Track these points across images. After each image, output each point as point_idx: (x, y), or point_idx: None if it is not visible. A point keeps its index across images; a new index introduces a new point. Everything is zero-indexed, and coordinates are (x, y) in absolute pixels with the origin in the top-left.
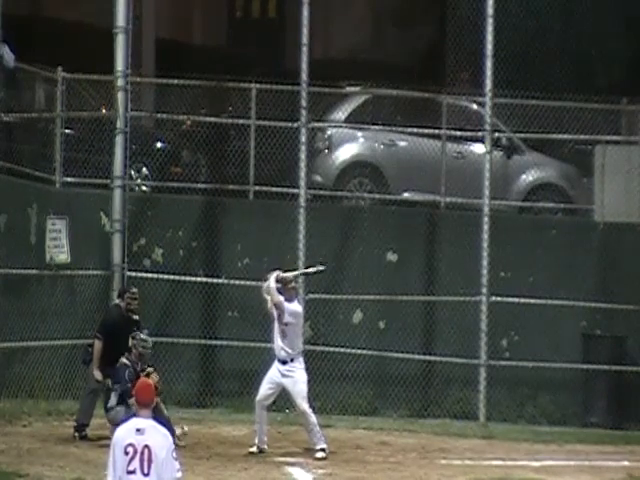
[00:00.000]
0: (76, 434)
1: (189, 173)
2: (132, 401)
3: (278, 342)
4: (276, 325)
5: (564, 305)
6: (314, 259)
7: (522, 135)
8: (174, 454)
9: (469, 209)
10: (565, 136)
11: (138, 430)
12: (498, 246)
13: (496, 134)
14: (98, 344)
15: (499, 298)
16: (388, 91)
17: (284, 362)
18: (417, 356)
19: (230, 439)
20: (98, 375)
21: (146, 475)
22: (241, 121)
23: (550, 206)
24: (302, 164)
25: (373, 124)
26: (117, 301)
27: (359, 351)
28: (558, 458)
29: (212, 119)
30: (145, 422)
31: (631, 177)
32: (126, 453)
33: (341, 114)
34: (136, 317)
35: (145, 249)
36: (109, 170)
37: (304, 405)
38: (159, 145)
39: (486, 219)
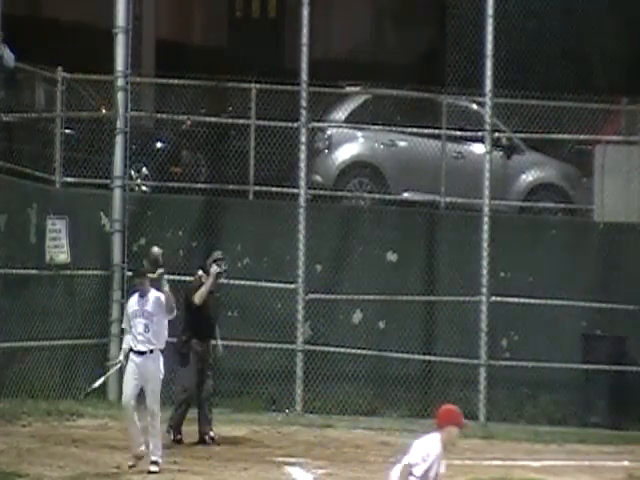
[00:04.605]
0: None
1: (189, 173)
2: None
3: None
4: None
5: (564, 305)
6: (314, 259)
7: (522, 135)
8: None
9: (469, 209)
10: (565, 136)
11: None
12: (498, 246)
13: (496, 134)
14: (197, 293)
15: (499, 298)
16: (388, 91)
17: None
18: (417, 356)
19: (230, 439)
20: (213, 269)
21: None
22: (241, 121)
23: (550, 206)
24: (302, 164)
25: (373, 124)
26: (200, 272)
27: (359, 351)
28: (558, 458)
29: (212, 119)
30: None
31: (631, 177)
32: None
33: (341, 114)
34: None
35: (145, 249)
36: (109, 170)
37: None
38: (159, 145)
39: (486, 219)
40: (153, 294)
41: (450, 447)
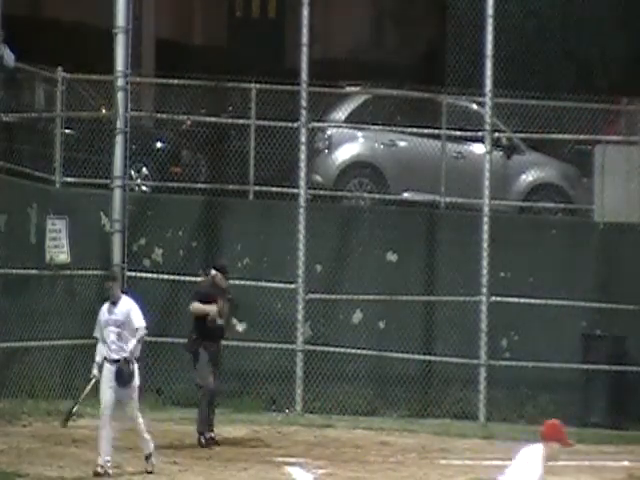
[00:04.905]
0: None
1: (189, 173)
2: None
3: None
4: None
5: (564, 305)
6: (314, 259)
7: (522, 135)
8: None
9: (469, 209)
10: (565, 136)
11: None
12: (498, 246)
13: (496, 134)
14: (197, 304)
15: (499, 298)
16: (388, 91)
17: None
18: (417, 356)
19: (230, 439)
20: (213, 309)
21: None
22: (241, 121)
23: (550, 206)
24: (302, 164)
25: (373, 124)
26: (213, 272)
27: (359, 351)
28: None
29: (212, 119)
30: None
31: (631, 177)
32: None
33: (341, 114)
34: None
35: (145, 249)
36: (109, 170)
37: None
38: (159, 145)
39: (486, 219)
40: (124, 302)
41: (550, 462)
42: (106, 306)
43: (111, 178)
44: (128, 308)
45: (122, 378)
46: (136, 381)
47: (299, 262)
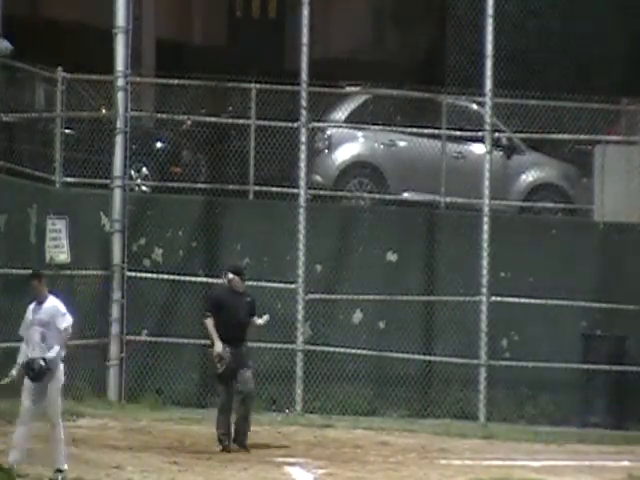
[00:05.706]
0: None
1: (189, 173)
2: None
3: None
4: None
5: (564, 305)
6: (314, 259)
7: (522, 135)
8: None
9: (469, 209)
10: (565, 136)
11: None
12: (498, 246)
13: (496, 134)
14: (209, 322)
15: (499, 298)
16: (388, 91)
17: None
18: (417, 356)
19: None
20: (219, 346)
21: None
22: (241, 121)
23: (550, 206)
24: (302, 164)
25: (373, 124)
26: (230, 276)
27: (359, 351)
28: (558, 458)
29: (212, 119)
30: None
31: (631, 177)
32: None
33: (341, 114)
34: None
35: (145, 249)
36: (109, 170)
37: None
38: (159, 145)
39: (486, 219)
40: (50, 302)
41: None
42: (32, 305)
43: (111, 178)
44: (53, 308)
45: (32, 371)
46: (58, 381)
47: (299, 262)
